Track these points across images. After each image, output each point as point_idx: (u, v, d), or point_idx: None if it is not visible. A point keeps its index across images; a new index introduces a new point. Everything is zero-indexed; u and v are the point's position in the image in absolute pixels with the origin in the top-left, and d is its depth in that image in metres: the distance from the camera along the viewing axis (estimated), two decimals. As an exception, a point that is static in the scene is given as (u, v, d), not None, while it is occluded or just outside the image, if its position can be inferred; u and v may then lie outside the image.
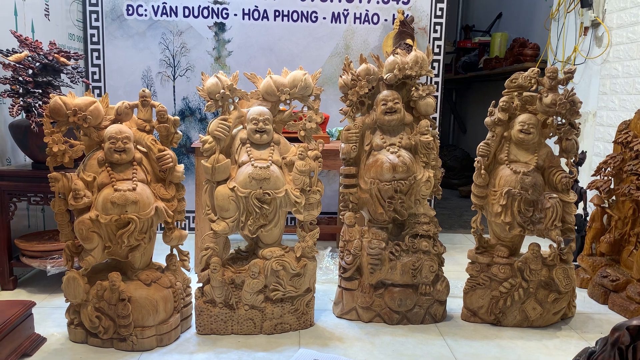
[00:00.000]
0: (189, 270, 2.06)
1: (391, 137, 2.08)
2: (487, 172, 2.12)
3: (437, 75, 3.42)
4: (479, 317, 2.17)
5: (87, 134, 1.87)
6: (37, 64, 2.28)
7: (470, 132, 6.08)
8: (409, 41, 3.04)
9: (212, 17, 3.28)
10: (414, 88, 2.09)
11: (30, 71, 2.26)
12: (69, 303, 1.90)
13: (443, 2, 3.35)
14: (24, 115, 2.31)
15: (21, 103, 2.18)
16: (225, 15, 3.29)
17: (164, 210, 1.87)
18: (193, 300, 2.04)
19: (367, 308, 2.13)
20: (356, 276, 2.14)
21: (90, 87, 3.28)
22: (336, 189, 3.43)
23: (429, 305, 2.14)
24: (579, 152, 2.21)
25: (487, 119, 2.13)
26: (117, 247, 1.84)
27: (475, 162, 2.13)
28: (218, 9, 3.28)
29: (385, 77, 2.09)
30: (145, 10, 3.25)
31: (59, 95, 1.92)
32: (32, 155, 2.39)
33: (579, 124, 2.13)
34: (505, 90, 2.12)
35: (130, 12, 3.25)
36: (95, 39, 3.28)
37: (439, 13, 3.37)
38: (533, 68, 2.09)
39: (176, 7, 3.25)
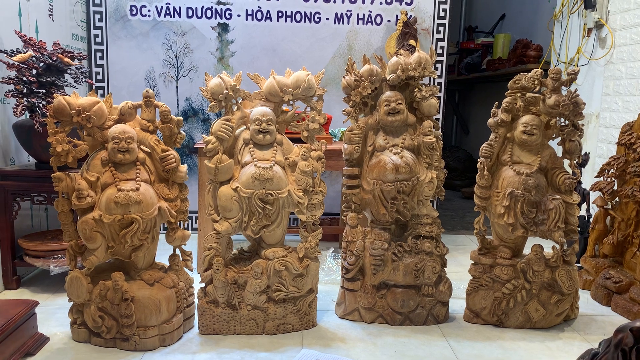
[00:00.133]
0: (191, 270, 2.07)
1: (394, 138, 2.08)
2: (490, 174, 2.11)
3: (440, 76, 3.42)
4: (482, 318, 2.16)
5: (91, 134, 1.88)
6: (41, 64, 2.28)
7: (473, 133, 6.07)
8: (412, 42, 3.03)
9: (216, 18, 3.29)
10: (417, 89, 2.09)
11: (34, 71, 2.26)
12: (72, 303, 1.90)
13: (446, 3, 3.35)
14: (28, 115, 2.32)
15: (25, 103, 2.19)
16: (228, 16, 3.29)
17: (167, 210, 1.87)
18: (196, 300, 2.04)
19: (369, 309, 2.13)
20: (359, 277, 2.14)
21: (94, 87, 3.28)
22: (339, 189, 3.43)
23: (432, 306, 2.14)
24: (582, 153, 2.20)
25: (490, 120, 2.13)
26: (120, 247, 1.85)
27: (478, 163, 2.13)
28: (221, 9, 3.28)
29: (388, 78, 2.09)
30: (149, 10, 3.26)
31: (63, 95, 1.92)
32: (36, 155, 2.40)
33: (582, 125, 2.12)
34: (508, 92, 2.11)
35: (133, 12, 3.26)
36: (98, 40, 3.29)
37: (442, 14, 3.37)
38: (536, 69, 2.09)
39: (179, 7, 3.26)
